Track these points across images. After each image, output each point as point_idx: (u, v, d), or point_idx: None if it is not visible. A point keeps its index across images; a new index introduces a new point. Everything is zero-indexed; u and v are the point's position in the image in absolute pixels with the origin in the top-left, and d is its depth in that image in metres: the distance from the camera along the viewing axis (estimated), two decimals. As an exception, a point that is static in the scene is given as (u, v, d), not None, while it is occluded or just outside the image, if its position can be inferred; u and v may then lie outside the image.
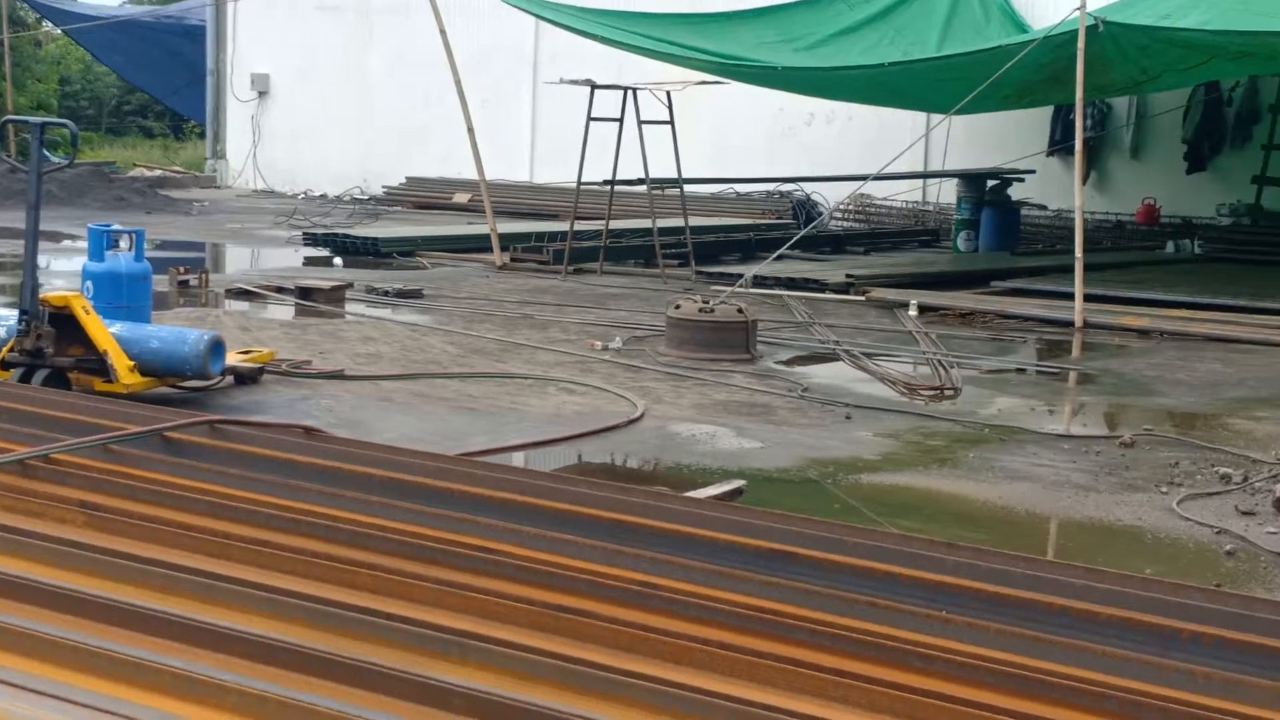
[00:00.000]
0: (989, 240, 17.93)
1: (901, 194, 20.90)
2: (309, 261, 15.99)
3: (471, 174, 16.41)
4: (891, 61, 13.79)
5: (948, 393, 9.17)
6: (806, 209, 20.14)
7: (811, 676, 3.34)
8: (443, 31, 15.39)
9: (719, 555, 4.33)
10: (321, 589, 3.84)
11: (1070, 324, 12.00)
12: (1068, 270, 12.40)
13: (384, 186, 24.50)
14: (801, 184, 20.28)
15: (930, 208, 21.00)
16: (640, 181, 15.04)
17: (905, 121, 18.64)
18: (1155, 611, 3.90)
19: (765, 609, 3.84)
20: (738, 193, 21.32)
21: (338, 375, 8.94)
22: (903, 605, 3.93)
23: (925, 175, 20.39)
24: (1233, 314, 12.46)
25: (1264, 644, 3.72)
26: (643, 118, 14.69)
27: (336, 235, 17.03)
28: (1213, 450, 7.61)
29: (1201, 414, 8.79)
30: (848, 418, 8.36)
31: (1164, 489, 6.78)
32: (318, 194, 25.19)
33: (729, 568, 4.17)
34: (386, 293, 12.78)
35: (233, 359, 8.44)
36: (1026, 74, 13.00)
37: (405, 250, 16.46)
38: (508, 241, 16.03)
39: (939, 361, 10.12)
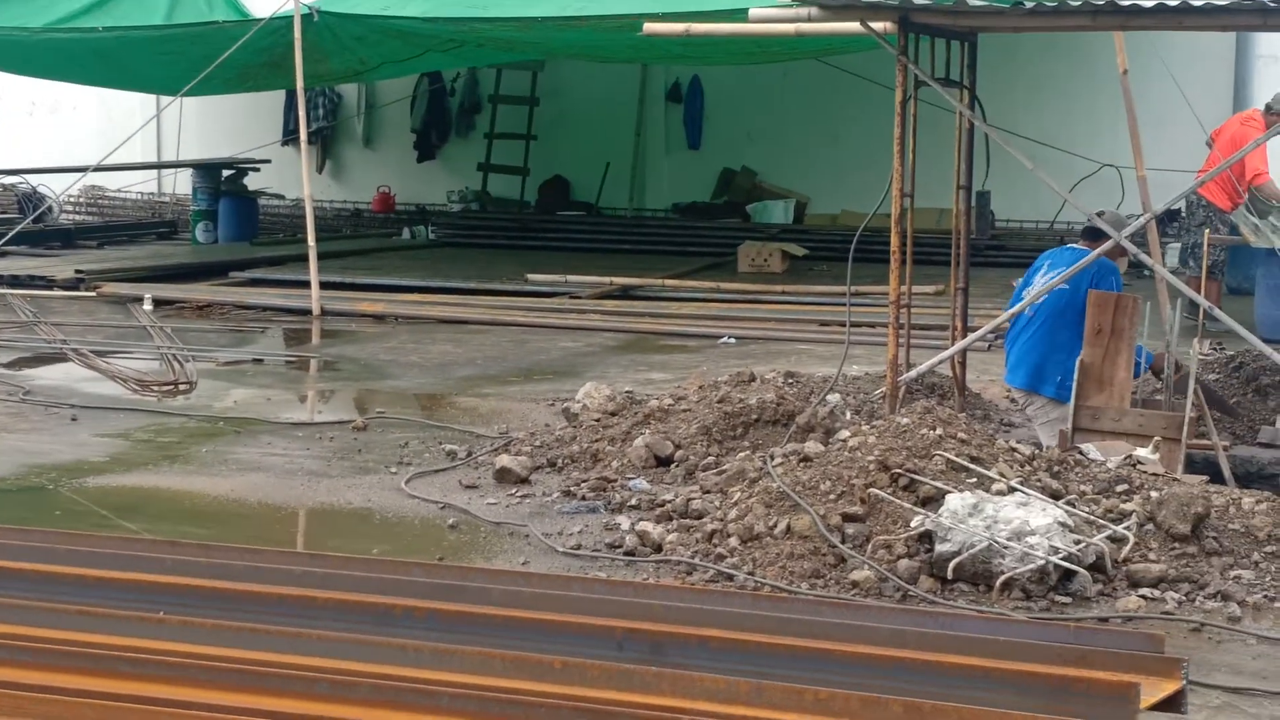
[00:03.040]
0: (228, 231, 17.72)
1: (136, 185, 20.26)
2: None
3: None
4: (106, 27, 13.25)
5: (182, 387, 8.97)
6: (34, 203, 19.08)
7: (7, 695, 3.14)
8: None
9: (-89, 578, 3.99)
10: None
11: (309, 312, 12.05)
12: (307, 259, 12.46)
13: None
14: (25, 176, 19.19)
15: (167, 199, 20.51)
16: None
17: (136, 110, 18.07)
18: (372, 590, 3.98)
19: (-40, 631, 3.58)
20: (-47, 187, 19.90)
21: None
22: (117, 611, 3.79)
23: (157, 166, 19.87)
24: (463, 296, 12.95)
25: (474, 612, 3.87)
26: None
27: None
28: (441, 428, 7.89)
29: (433, 394, 9.10)
30: (74, 419, 8.00)
31: (394, 469, 6.95)
32: None
33: (-78, 590, 3.85)
34: None
35: None
36: (247, 57, 12.93)
37: None
38: None
39: (174, 356, 9.88)
